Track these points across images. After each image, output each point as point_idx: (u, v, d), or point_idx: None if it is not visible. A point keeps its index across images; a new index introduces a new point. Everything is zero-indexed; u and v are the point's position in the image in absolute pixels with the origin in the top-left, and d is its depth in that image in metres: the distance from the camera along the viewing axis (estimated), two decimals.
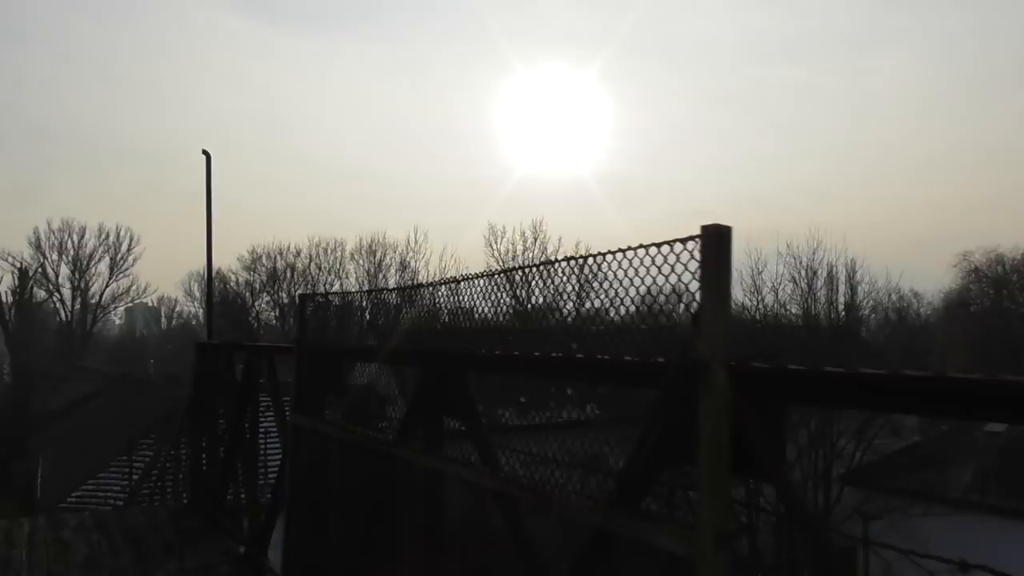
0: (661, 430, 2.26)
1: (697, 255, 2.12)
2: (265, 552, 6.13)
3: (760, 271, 26.56)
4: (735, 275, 2.24)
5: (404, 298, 4.46)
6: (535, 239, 40.29)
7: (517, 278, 3.38)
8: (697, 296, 2.14)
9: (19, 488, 28.91)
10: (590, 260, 2.43)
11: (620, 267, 2.33)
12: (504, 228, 39.81)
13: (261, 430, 6.53)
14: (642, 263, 2.27)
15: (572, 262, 2.46)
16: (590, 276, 2.54)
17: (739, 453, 2.05)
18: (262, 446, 6.57)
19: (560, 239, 39.61)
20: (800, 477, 18.63)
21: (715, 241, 2.08)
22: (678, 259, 2.17)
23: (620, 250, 2.29)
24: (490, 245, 40.28)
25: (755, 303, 26.46)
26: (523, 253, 39.71)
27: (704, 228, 2.10)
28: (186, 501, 8.65)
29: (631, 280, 2.29)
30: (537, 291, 3.17)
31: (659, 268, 2.24)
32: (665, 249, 2.22)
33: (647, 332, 2.28)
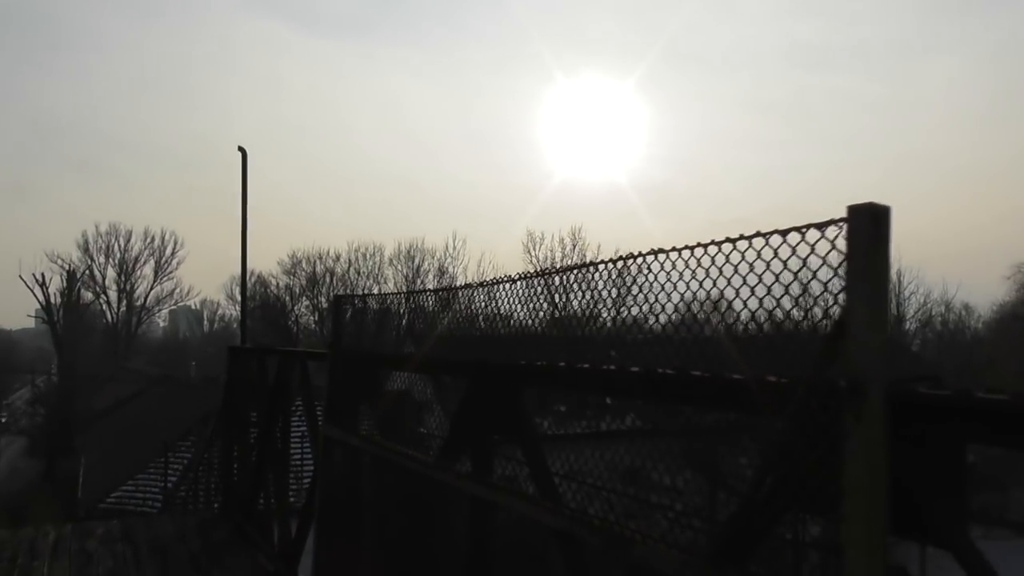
0: (784, 471, 1.76)
1: (841, 244, 1.61)
2: (295, 569, 5.73)
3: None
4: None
5: (442, 302, 4.03)
6: (574, 246, 39.77)
7: (557, 281, 2.98)
8: (839, 298, 1.63)
9: (63, 487, 29.25)
10: (698, 251, 1.93)
11: (742, 256, 1.82)
12: (543, 235, 39.40)
13: (295, 437, 6.14)
14: (763, 255, 1.77)
15: (674, 253, 1.97)
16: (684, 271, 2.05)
17: (901, 506, 1.55)
18: (296, 454, 6.18)
19: (599, 246, 39.05)
20: None
21: (869, 224, 1.57)
22: (812, 249, 1.67)
23: (744, 237, 1.79)
24: (528, 251, 39.87)
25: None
26: (562, 260, 39.20)
27: (853, 209, 1.59)
28: (216, 509, 8.32)
29: (760, 275, 1.78)
30: (607, 291, 2.69)
31: (785, 261, 1.74)
32: (793, 238, 1.72)
33: (768, 342, 1.78)
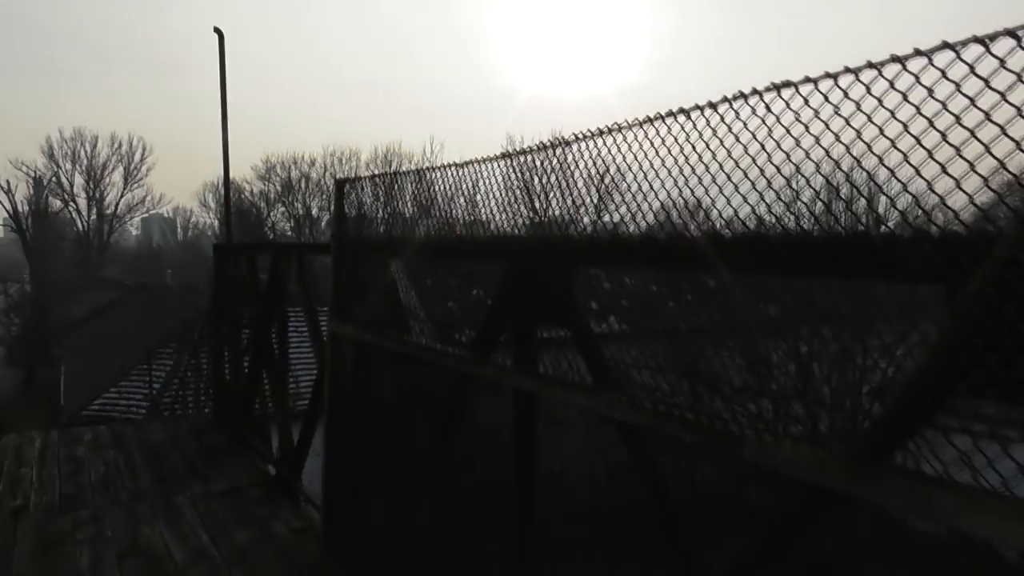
0: (961, 347, 1.40)
1: None
2: (299, 474, 5.48)
3: None
4: None
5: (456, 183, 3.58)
6: (554, 150, 38.88)
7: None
8: None
9: (43, 396, 29.03)
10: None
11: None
12: (523, 138, 38.36)
13: (292, 339, 5.77)
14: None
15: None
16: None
17: None
18: (292, 357, 5.83)
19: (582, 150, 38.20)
20: None
21: None
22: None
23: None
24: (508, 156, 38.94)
25: None
26: (542, 164, 38.35)
27: None
28: (209, 415, 8.04)
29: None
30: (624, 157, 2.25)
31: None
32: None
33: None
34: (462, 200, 3.49)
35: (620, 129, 2.43)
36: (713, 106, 1.97)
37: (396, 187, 4.06)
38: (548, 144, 3.11)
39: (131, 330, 25.20)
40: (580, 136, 2.72)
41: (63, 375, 26.35)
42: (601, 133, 2.57)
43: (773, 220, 1.85)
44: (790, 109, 1.79)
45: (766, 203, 1.88)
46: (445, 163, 3.59)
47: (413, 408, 3.64)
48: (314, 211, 44.13)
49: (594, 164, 2.77)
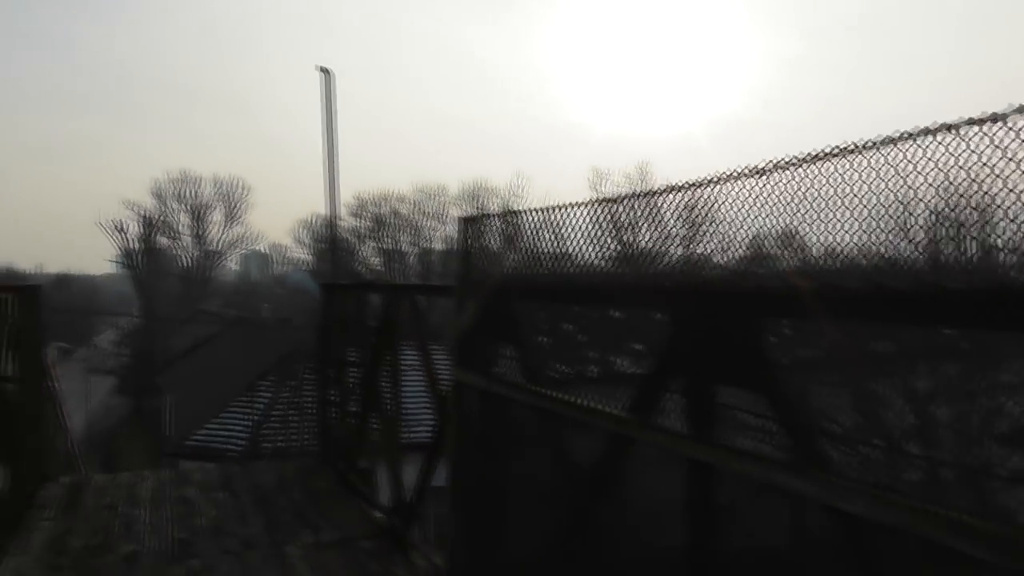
0: None
1: None
2: (411, 527, 5.19)
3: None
4: None
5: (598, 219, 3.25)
6: (641, 181, 38.29)
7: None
8: None
9: (150, 425, 30.26)
10: None
11: None
12: (608, 170, 37.89)
13: (405, 383, 5.53)
14: None
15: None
16: None
17: None
18: (405, 401, 5.59)
19: (668, 181, 37.46)
20: None
21: None
22: None
23: None
24: (594, 188, 38.59)
25: None
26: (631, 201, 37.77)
27: None
28: (314, 456, 7.91)
29: None
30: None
31: None
32: None
33: None
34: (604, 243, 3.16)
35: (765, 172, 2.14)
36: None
37: (524, 224, 3.76)
38: (681, 186, 2.71)
39: (231, 362, 26.00)
40: (724, 176, 2.36)
41: (167, 405, 27.39)
42: (749, 174, 2.23)
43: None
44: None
45: None
46: (575, 201, 3.29)
47: (553, 470, 3.28)
48: (403, 246, 44.95)
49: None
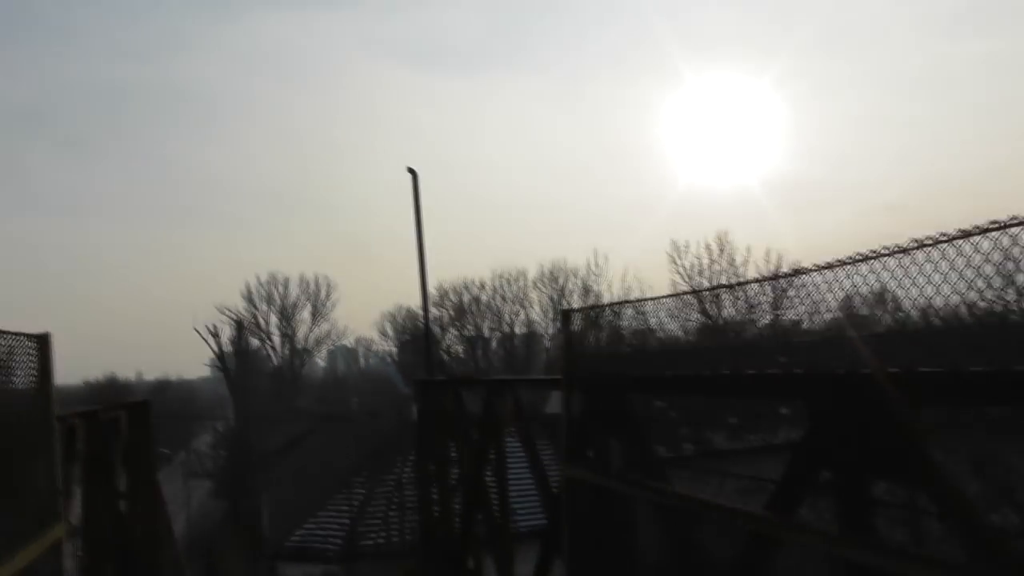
0: None
1: None
2: None
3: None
4: None
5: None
6: (721, 251, 37.70)
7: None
8: None
9: (247, 525, 30.67)
10: None
11: None
12: (687, 243, 37.49)
13: (514, 481, 5.43)
14: None
15: None
16: None
17: None
18: (513, 499, 5.47)
19: (749, 248, 36.79)
20: None
21: None
22: None
23: None
24: (674, 261, 38.21)
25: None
26: (709, 266, 37.28)
27: None
28: (418, 556, 7.79)
29: None
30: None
31: None
32: None
33: None
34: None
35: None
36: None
37: (626, 315, 3.71)
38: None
39: (323, 459, 26.34)
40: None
41: (264, 505, 27.80)
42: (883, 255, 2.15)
43: None
44: None
45: None
46: (676, 292, 3.22)
47: (682, 570, 3.10)
48: (485, 331, 45.30)
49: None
